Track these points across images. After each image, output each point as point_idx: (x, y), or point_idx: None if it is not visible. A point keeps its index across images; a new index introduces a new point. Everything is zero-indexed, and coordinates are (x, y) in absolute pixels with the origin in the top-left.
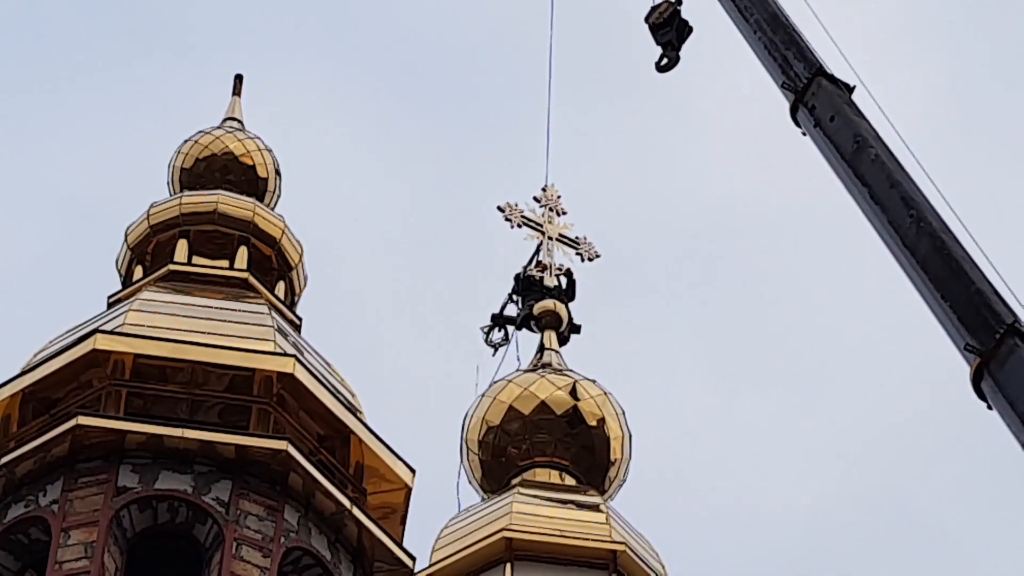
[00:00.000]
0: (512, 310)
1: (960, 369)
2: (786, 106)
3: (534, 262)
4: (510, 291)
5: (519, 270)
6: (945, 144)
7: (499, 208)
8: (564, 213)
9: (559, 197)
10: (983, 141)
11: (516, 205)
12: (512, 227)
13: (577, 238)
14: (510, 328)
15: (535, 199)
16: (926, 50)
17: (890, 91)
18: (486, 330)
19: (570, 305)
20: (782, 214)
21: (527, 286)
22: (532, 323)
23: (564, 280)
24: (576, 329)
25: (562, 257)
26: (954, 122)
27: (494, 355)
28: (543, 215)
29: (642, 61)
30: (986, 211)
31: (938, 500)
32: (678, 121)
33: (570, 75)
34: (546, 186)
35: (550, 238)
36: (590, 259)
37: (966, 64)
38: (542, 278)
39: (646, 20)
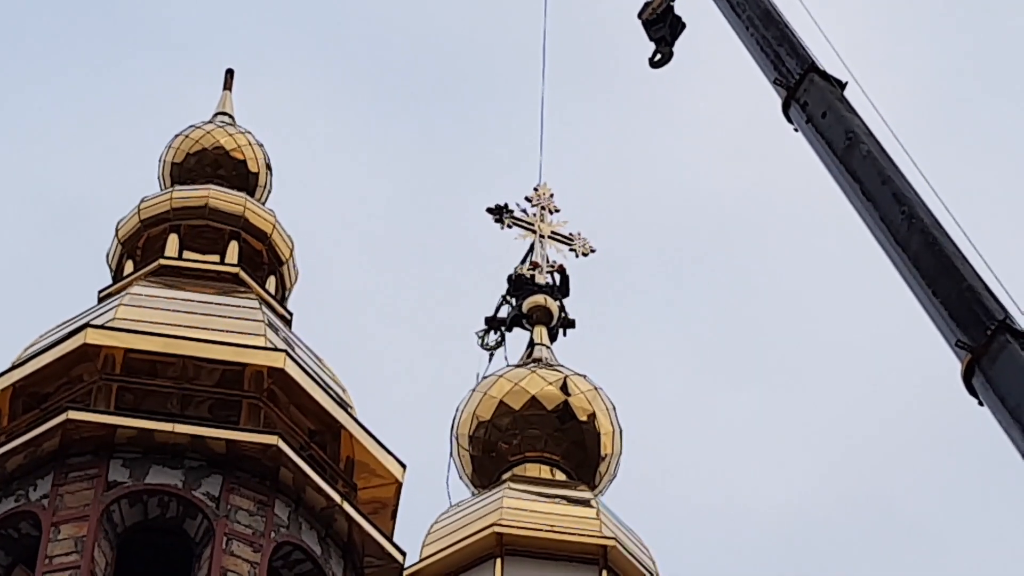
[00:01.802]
0: (506, 312)
1: (944, 367)
2: (777, 104)
3: (527, 261)
4: (503, 293)
5: (511, 271)
6: (927, 143)
7: (488, 210)
8: (557, 211)
9: (551, 196)
10: (964, 140)
11: (506, 206)
12: (503, 228)
13: (571, 234)
14: (505, 331)
15: (527, 199)
16: (908, 50)
17: (873, 90)
18: (481, 334)
19: (563, 302)
20: (770, 212)
21: (519, 286)
22: (523, 320)
23: (557, 277)
24: (571, 324)
25: (555, 254)
26: (935, 121)
27: (491, 359)
28: (535, 214)
29: (634, 58)
30: (969, 209)
31: (922, 499)
32: (668, 119)
33: (561, 73)
34: (538, 185)
35: (542, 237)
36: (584, 254)
37: (948, 64)
38: (533, 276)
39: (639, 16)
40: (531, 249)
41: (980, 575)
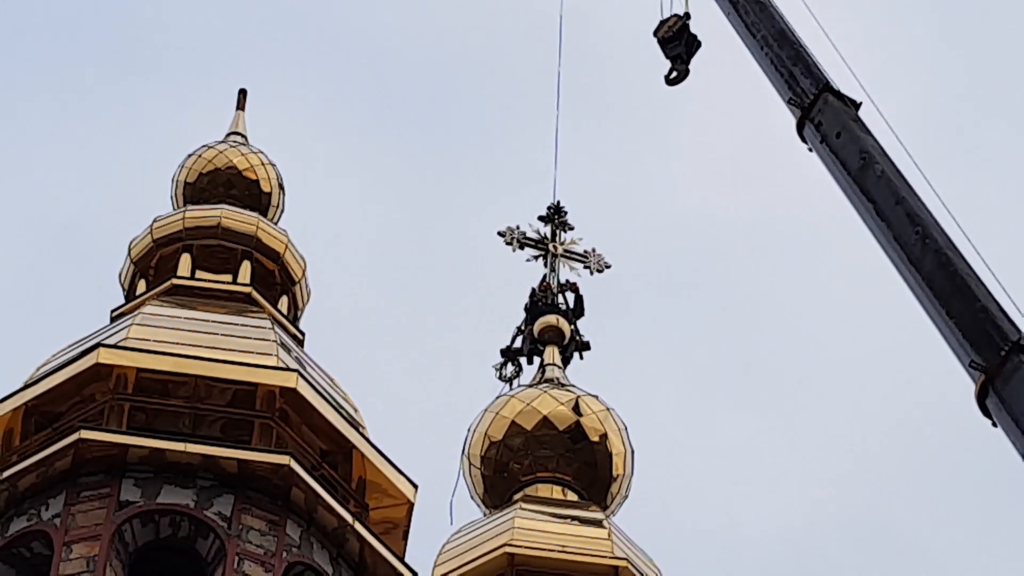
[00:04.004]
0: (522, 343)
1: (943, 388)
2: (787, 126)
3: (542, 284)
4: (519, 324)
5: (527, 301)
6: (938, 163)
7: (499, 233)
8: (571, 228)
9: (566, 213)
10: (973, 161)
11: (517, 228)
12: (513, 250)
13: (585, 252)
14: (522, 361)
15: (540, 218)
16: (913, 71)
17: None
18: (498, 367)
19: (577, 324)
20: (778, 234)
21: (535, 315)
22: (536, 342)
23: (571, 298)
24: (586, 347)
25: (568, 272)
26: (944, 142)
27: (510, 389)
28: (548, 233)
29: (645, 78)
30: (982, 230)
31: (919, 521)
32: (678, 140)
33: (572, 92)
34: (551, 204)
35: (555, 256)
36: (599, 270)
37: (955, 84)
38: (543, 298)
39: (655, 34)
40: (550, 268)
41: None
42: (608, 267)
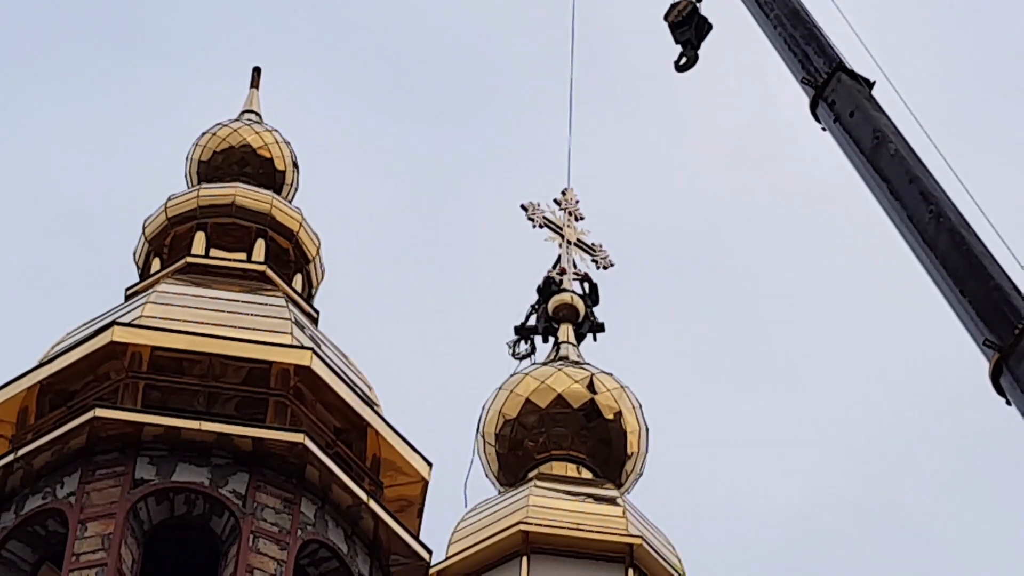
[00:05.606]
0: (535, 321)
1: (950, 368)
2: (798, 110)
3: (557, 267)
4: (533, 303)
5: (540, 281)
6: (951, 143)
7: (522, 206)
8: (582, 218)
9: (578, 202)
10: (986, 140)
11: (539, 204)
12: (534, 226)
13: (593, 245)
14: (536, 339)
15: (555, 201)
16: (918, 53)
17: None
18: (511, 344)
19: (593, 308)
20: (779, 219)
21: (548, 295)
22: (550, 320)
23: (586, 286)
24: (600, 327)
25: (579, 262)
26: (955, 121)
27: (525, 367)
28: (562, 218)
29: (653, 68)
30: (996, 210)
31: (928, 500)
32: (683, 128)
33: (582, 80)
34: (566, 189)
35: (568, 242)
36: (604, 267)
37: (956, 68)
38: (561, 281)
39: (665, 18)
40: (562, 251)
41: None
42: (612, 265)
